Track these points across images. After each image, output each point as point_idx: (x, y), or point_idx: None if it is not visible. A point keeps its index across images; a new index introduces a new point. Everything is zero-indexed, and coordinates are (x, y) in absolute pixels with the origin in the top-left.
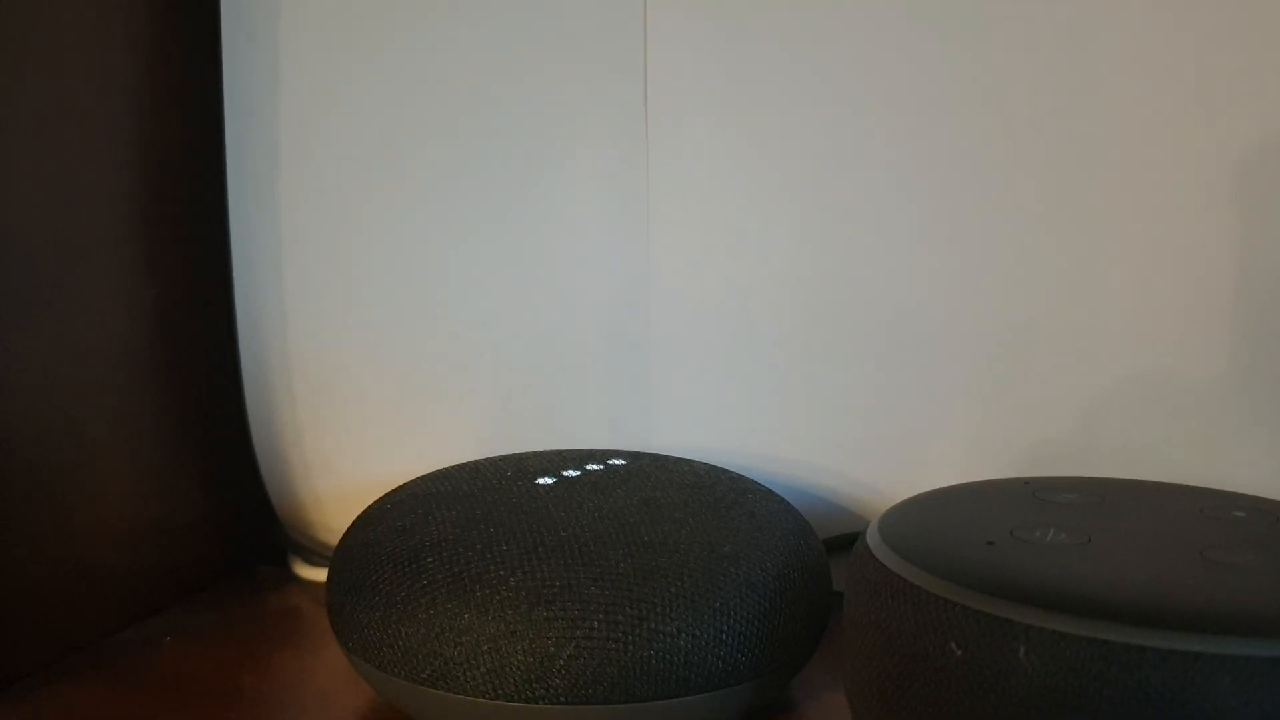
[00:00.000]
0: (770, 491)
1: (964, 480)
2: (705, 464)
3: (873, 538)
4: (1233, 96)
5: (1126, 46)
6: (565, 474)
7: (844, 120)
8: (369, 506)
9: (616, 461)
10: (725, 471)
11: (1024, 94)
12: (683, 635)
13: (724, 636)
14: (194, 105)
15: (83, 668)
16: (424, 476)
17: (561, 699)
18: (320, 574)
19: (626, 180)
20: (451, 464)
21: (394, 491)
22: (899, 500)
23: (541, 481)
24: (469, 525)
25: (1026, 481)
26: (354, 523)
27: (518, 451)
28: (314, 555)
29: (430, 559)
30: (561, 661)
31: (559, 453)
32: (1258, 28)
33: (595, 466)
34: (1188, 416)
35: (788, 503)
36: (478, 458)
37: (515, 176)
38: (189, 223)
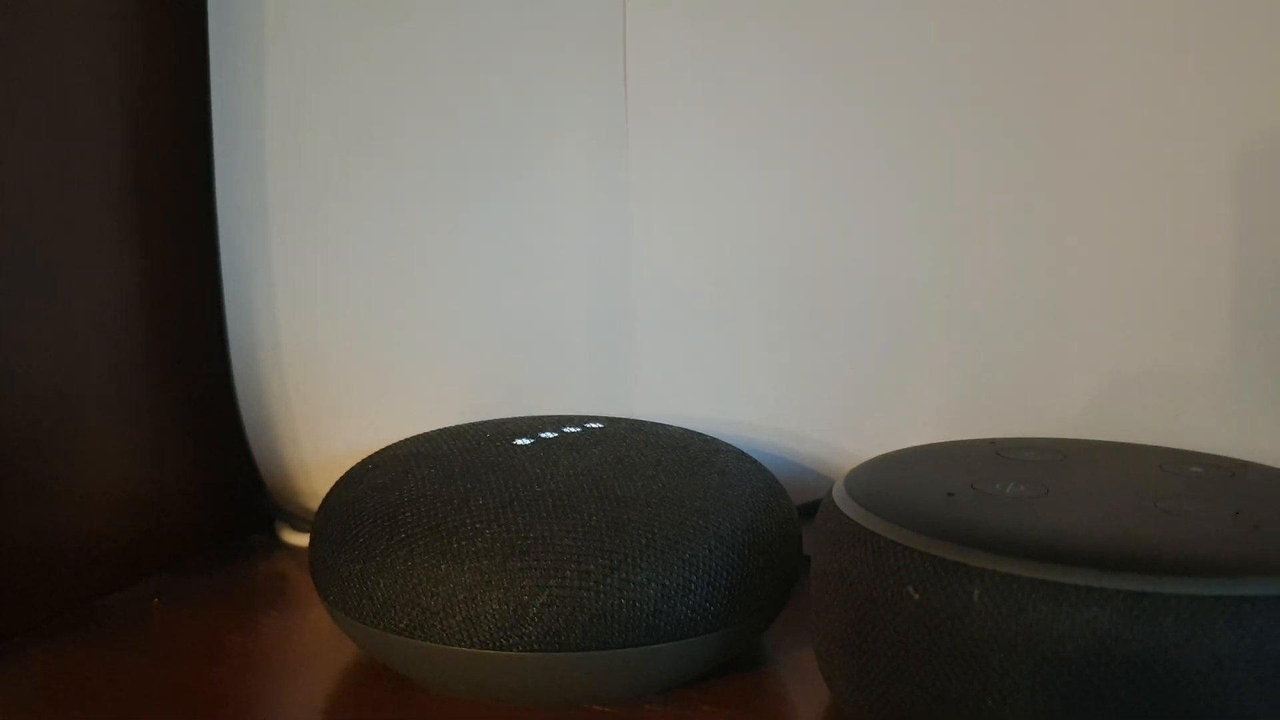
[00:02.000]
0: (742, 453)
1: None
2: (681, 428)
3: (838, 491)
4: (1224, 86)
5: (1123, 26)
6: (543, 435)
7: (818, 99)
8: (352, 467)
9: (594, 425)
10: (700, 435)
11: (1006, 75)
12: (652, 585)
13: (692, 586)
14: (181, 83)
15: (73, 628)
16: (406, 439)
17: (535, 646)
18: (306, 540)
19: (607, 158)
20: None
21: (376, 453)
22: None
23: (519, 442)
24: (447, 482)
25: (993, 441)
26: (337, 482)
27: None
28: (301, 522)
29: (408, 514)
30: (535, 610)
31: (539, 417)
32: (1253, 16)
33: (573, 429)
34: (1159, 384)
35: (759, 463)
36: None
37: (499, 151)
38: (177, 199)
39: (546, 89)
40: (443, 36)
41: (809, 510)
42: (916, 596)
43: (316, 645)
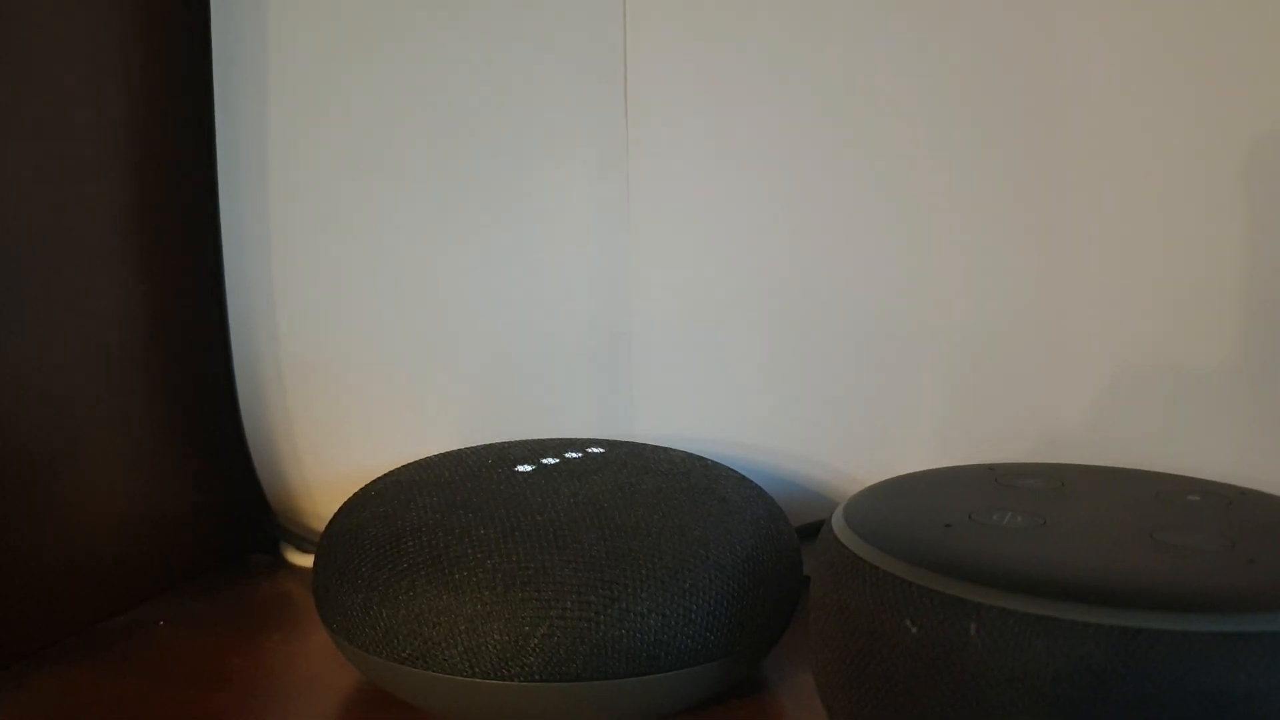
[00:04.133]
0: (744, 478)
1: (938, 467)
2: (682, 452)
3: (838, 521)
4: (1220, 85)
5: (1112, 32)
6: (545, 461)
7: (820, 119)
8: (354, 494)
9: (595, 450)
10: (701, 459)
11: (999, 95)
12: (652, 615)
13: (693, 616)
14: (185, 103)
15: (78, 651)
16: (408, 464)
17: (536, 676)
18: (311, 561)
19: (608, 176)
20: (438, 453)
21: (379, 479)
22: None
23: (521, 469)
24: (449, 511)
25: (991, 467)
26: (340, 509)
27: (503, 440)
28: (305, 543)
29: (410, 543)
30: (536, 640)
31: (540, 441)
32: (1248, 16)
33: (574, 454)
34: (1158, 404)
35: (761, 489)
36: (464, 447)
37: (499, 173)
38: (180, 219)
39: (547, 112)
40: (444, 60)
41: (810, 531)
42: (914, 630)
43: (319, 669)
